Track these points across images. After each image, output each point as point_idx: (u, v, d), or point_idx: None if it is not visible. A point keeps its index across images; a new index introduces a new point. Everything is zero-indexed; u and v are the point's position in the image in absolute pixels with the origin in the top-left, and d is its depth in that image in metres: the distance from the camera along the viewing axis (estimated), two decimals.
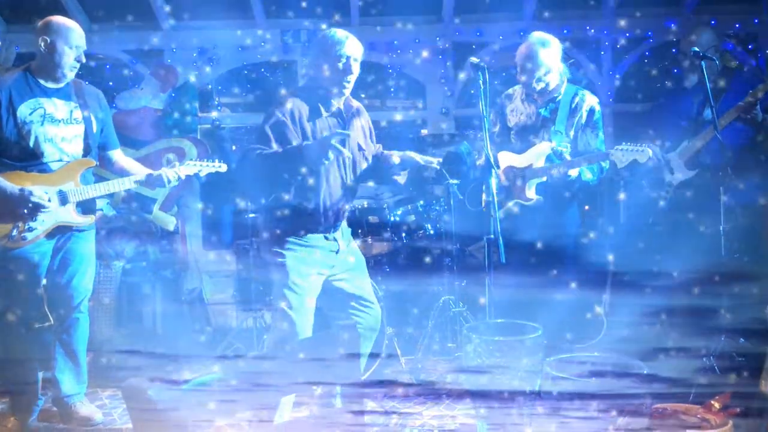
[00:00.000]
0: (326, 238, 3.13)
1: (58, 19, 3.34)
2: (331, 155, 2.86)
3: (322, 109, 3.07)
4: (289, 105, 3.02)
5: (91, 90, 3.51)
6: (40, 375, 3.52)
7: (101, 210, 3.58)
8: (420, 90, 5.94)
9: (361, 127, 3.23)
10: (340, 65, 3.02)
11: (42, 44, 3.27)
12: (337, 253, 3.17)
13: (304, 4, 5.40)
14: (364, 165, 3.23)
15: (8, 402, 3.51)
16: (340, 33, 3.06)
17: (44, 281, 3.41)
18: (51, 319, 3.48)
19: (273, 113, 3.02)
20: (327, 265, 3.14)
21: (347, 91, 3.11)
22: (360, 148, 3.20)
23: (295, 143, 2.97)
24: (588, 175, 3.80)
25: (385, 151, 3.30)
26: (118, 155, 3.63)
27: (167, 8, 5.51)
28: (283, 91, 3.23)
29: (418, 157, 3.17)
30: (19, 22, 5.55)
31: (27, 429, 3.43)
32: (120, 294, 4.78)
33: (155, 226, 5.12)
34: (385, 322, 4.01)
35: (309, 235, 3.08)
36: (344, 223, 3.27)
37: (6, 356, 3.39)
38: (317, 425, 3.13)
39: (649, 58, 5.91)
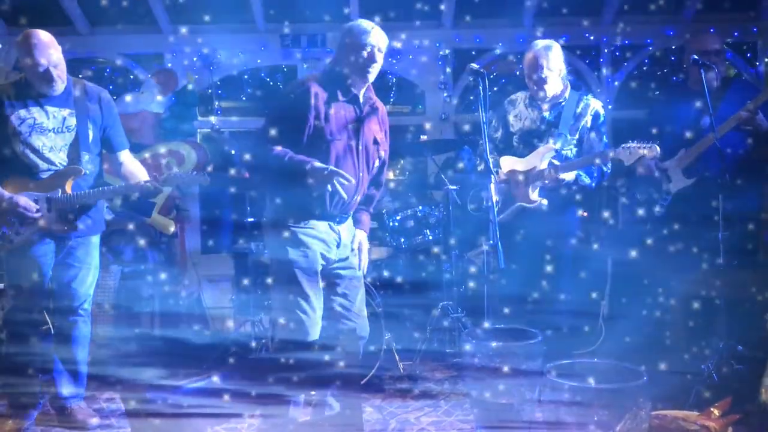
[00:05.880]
0: (331, 227, 3.11)
1: (25, 34, 3.28)
2: (329, 188, 2.91)
3: (340, 95, 3.09)
4: (308, 85, 3.05)
5: (93, 91, 3.47)
6: (39, 377, 3.51)
7: None
8: (419, 95, 5.95)
9: (378, 120, 3.24)
10: (365, 53, 3.05)
11: (20, 60, 3.32)
12: (338, 246, 3.15)
13: (304, 10, 5.42)
14: (377, 162, 3.24)
15: (6, 404, 3.50)
16: (365, 23, 3.11)
17: (47, 284, 3.42)
18: (50, 322, 3.49)
19: (292, 90, 3.10)
20: (325, 257, 3.12)
21: (371, 77, 3.12)
22: (375, 142, 3.20)
23: (309, 126, 3.00)
24: (586, 180, 3.82)
25: (363, 215, 3.33)
26: (125, 156, 3.61)
27: (167, 12, 5.52)
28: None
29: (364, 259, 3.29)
30: (20, 24, 5.55)
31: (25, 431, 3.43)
32: (118, 297, 4.78)
33: (154, 230, 5.11)
34: (383, 327, 4.01)
35: (312, 222, 3.07)
36: (350, 221, 3.25)
37: (5, 358, 3.39)
38: (315, 430, 3.12)
39: (648, 65, 5.93)
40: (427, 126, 5.81)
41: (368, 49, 3.06)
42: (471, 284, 4.58)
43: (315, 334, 3.05)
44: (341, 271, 3.19)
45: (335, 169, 2.93)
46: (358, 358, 3.24)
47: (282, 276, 3.08)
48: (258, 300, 4.56)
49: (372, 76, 3.12)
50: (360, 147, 3.12)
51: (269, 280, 3.23)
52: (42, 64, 3.24)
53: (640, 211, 4.28)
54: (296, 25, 5.64)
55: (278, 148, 2.97)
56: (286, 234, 3.05)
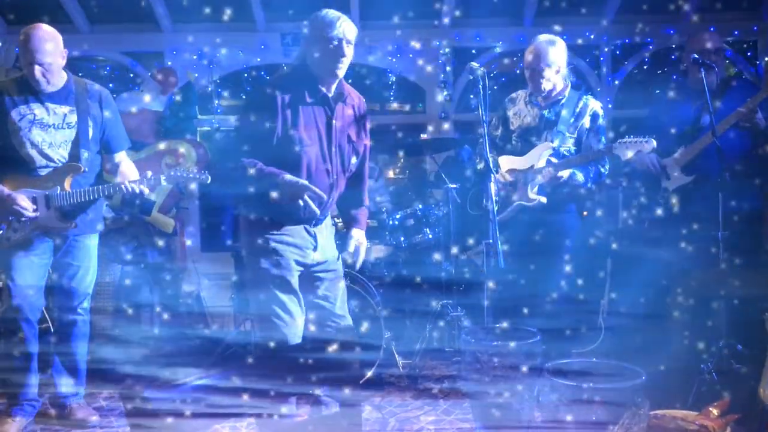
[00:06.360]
0: (306, 230, 3.03)
1: (23, 31, 3.26)
2: (301, 203, 2.83)
3: (307, 96, 2.94)
4: (273, 92, 2.89)
5: (93, 90, 3.46)
6: (38, 376, 3.52)
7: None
8: (420, 94, 5.95)
9: (353, 117, 3.09)
10: (331, 47, 2.89)
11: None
12: (315, 250, 3.07)
13: (304, 8, 5.41)
14: (354, 159, 3.11)
15: (5, 403, 3.50)
16: (332, 14, 2.92)
17: (46, 282, 3.43)
18: (49, 320, 3.49)
19: (258, 98, 2.97)
20: (301, 263, 3.04)
21: (340, 73, 2.97)
22: (349, 140, 3.07)
23: (277, 135, 2.88)
24: (579, 179, 3.81)
25: (358, 212, 3.24)
26: (121, 158, 3.60)
27: (168, 11, 5.52)
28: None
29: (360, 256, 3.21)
30: (20, 23, 5.56)
31: (24, 430, 3.43)
32: (118, 296, 4.78)
33: (154, 228, 5.11)
34: (383, 326, 4.01)
35: (286, 227, 2.98)
36: (328, 220, 3.16)
37: (3, 356, 3.39)
38: (314, 429, 3.12)
39: (648, 64, 5.93)
40: (428, 125, 5.82)
41: (335, 43, 2.88)
42: (471, 283, 4.57)
43: (295, 338, 3.00)
44: (321, 274, 3.11)
45: (306, 183, 2.84)
46: (352, 356, 3.22)
47: (256, 283, 3.01)
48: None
49: (341, 71, 2.95)
50: (333, 149, 2.99)
51: (247, 286, 3.17)
52: (27, 60, 3.24)
53: (639, 209, 4.28)
54: (296, 24, 5.64)
55: (248, 160, 2.86)
56: (259, 242, 2.97)
